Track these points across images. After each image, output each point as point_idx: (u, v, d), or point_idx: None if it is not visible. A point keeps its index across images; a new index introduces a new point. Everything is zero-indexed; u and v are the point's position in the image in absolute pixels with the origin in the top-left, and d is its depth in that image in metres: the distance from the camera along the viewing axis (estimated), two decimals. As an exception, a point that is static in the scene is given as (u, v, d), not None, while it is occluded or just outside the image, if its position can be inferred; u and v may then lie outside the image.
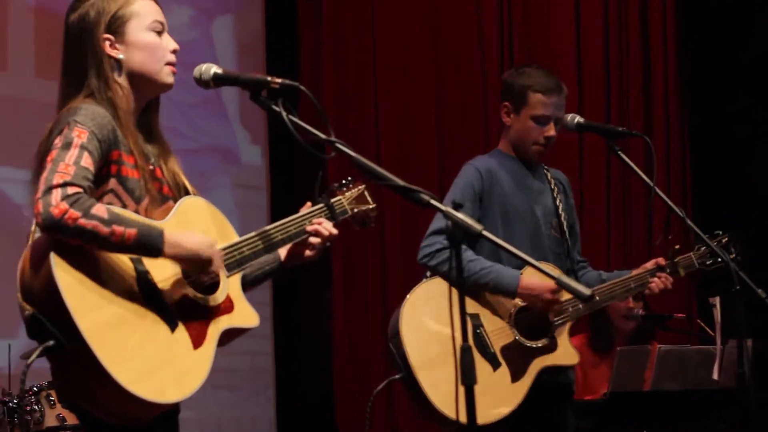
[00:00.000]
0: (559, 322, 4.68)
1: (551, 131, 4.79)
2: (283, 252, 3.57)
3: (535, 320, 4.67)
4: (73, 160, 3.05)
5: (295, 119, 3.14)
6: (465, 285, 4.48)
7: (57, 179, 3.01)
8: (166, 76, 3.34)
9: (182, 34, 7.59)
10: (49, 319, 2.97)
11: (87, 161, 3.07)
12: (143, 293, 3.10)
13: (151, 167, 3.29)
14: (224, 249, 3.30)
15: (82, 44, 3.27)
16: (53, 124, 3.18)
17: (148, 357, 3.04)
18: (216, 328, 3.23)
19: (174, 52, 3.37)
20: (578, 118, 4.55)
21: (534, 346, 4.64)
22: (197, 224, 3.27)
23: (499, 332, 4.60)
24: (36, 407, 5.40)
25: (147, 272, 3.13)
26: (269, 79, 3.20)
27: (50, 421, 5.42)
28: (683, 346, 5.70)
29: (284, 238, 3.46)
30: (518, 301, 4.64)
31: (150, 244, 3.07)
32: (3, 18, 7.18)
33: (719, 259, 4.66)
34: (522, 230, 4.74)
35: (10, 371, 5.71)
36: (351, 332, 8.24)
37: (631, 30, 7.70)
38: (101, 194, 3.15)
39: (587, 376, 6.47)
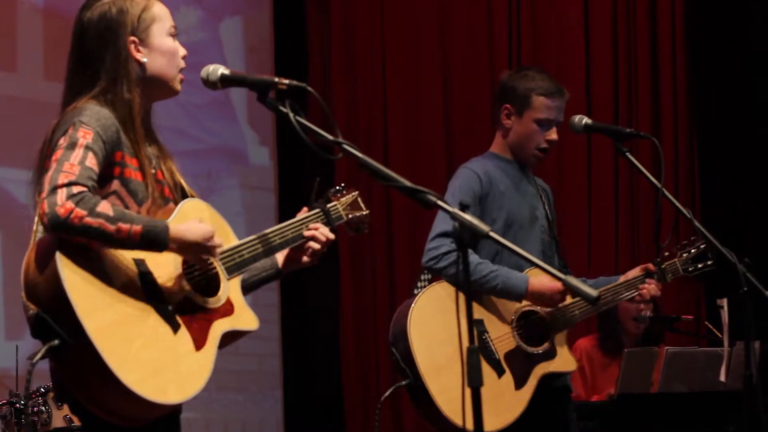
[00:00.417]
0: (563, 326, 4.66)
1: (554, 135, 4.77)
2: (280, 258, 3.56)
3: (534, 326, 4.65)
4: (78, 160, 3.05)
5: (303, 120, 3.13)
6: (473, 288, 4.51)
7: (62, 179, 3.01)
8: (178, 82, 3.36)
9: (191, 35, 7.62)
10: (54, 319, 2.98)
11: (92, 161, 3.07)
12: (147, 294, 3.11)
13: (153, 170, 3.29)
14: (224, 252, 3.30)
15: (104, 43, 3.25)
16: (57, 122, 3.18)
17: (152, 357, 3.05)
18: (217, 330, 3.22)
19: (183, 57, 3.38)
20: (586, 120, 4.54)
21: (536, 352, 4.62)
22: None
23: (503, 338, 4.58)
24: (43, 408, 5.41)
25: (150, 273, 3.13)
26: (276, 80, 3.18)
27: (57, 422, 5.42)
28: (691, 348, 5.70)
29: (281, 243, 3.46)
30: (520, 307, 4.62)
31: (156, 239, 3.07)
32: (12, 19, 7.20)
33: (699, 266, 4.80)
34: (520, 233, 4.71)
35: (17, 372, 5.72)
36: (359, 334, 8.24)
37: (640, 32, 7.69)
38: (104, 196, 3.14)
39: (596, 377, 6.47)
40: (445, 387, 4.42)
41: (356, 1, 8.43)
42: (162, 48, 3.31)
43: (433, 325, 4.47)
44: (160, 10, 3.33)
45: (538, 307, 4.62)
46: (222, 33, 8.27)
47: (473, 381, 2.73)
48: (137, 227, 3.04)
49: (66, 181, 3.01)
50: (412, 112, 8.25)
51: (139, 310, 3.08)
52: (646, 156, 6.90)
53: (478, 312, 4.56)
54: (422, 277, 4.68)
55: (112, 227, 3.01)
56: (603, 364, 6.52)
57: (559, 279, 2.93)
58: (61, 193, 2.99)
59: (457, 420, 4.38)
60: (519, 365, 4.59)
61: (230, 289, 3.30)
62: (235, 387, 7.83)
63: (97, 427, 3.11)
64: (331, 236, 3.55)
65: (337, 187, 3.73)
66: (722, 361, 4.78)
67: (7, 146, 6.89)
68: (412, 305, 4.52)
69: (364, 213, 3.76)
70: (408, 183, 2.93)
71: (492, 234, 2.87)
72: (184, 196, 3.36)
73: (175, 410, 3.24)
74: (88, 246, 3.03)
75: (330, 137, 3.07)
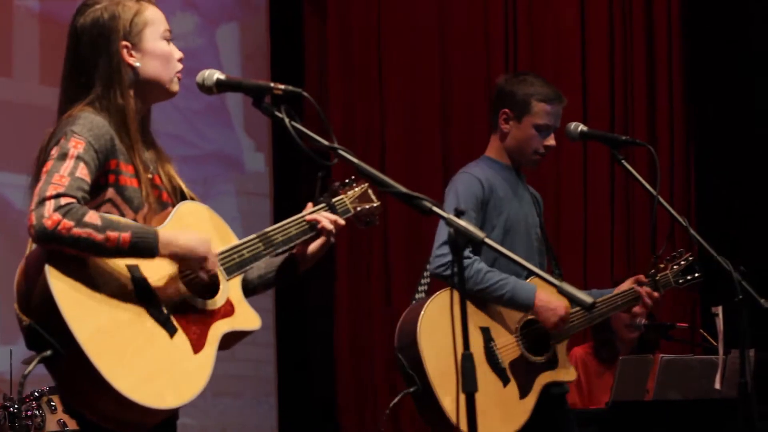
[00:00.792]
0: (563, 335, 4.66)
1: (552, 141, 4.77)
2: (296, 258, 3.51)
3: (535, 335, 4.65)
4: (68, 171, 3.04)
5: (298, 126, 3.12)
6: (479, 295, 4.50)
7: (50, 191, 3.00)
8: (175, 85, 3.34)
9: (187, 41, 7.61)
10: (46, 329, 2.97)
11: (83, 172, 3.06)
12: (141, 299, 3.09)
13: (150, 175, 3.27)
14: (224, 252, 3.28)
15: (97, 49, 3.24)
16: (53, 131, 3.17)
17: (146, 363, 3.04)
18: (216, 331, 3.21)
19: (180, 60, 3.37)
20: (582, 127, 4.54)
21: (538, 361, 4.62)
22: (196, 228, 3.25)
23: (508, 347, 4.57)
24: (37, 412, 5.41)
25: (144, 279, 3.11)
26: (272, 85, 3.17)
27: (51, 426, 5.43)
28: (686, 356, 5.70)
29: (284, 239, 3.42)
30: (523, 315, 4.61)
31: (145, 246, 3.06)
32: (7, 24, 7.19)
33: (688, 278, 4.85)
34: (518, 239, 4.71)
35: (11, 377, 5.71)
36: (354, 339, 8.23)
37: (636, 38, 7.69)
38: (99, 204, 3.13)
39: (591, 385, 6.47)
40: (455, 394, 4.41)
41: (353, 6, 8.43)
42: (155, 51, 3.30)
43: (442, 332, 4.45)
44: (152, 14, 3.32)
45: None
46: (218, 39, 8.26)
47: (467, 387, 2.73)
48: (126, 235, 3.03)
49: (54, 192, 3.00)
50: (410, 116, 8.24)
51: (133, 315, 3.07)
52: (642, 163, 6.91)
53: (485, 320, 4.56)
54: (422, 281, 4.66)
55: (100, 236, 3.00)
56: (598, 372, 6.52)
57: (554, 285, 2.93)
58: (49, 205, 2.98)
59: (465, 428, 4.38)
60: (523, 374, 4.59)
61: (230, 289, 3.28)
62: (231, 392, 7.82)
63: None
64: (342, 221, 3.49)
65: (346, 180, 3.66)
66: (717, 369, 4.78)
67: (2, 151, 6.89)
68: (422, 312, 4.48)
69: (375, 205, 3.66)
70: (404, 189, 2.93)
71: (487, 240, 2.86)
72: (184, 199, 3.35)
73: (172, 415, 3.23)
74: (79, 256, 3.02)
75: (325, 142, 3.07)
